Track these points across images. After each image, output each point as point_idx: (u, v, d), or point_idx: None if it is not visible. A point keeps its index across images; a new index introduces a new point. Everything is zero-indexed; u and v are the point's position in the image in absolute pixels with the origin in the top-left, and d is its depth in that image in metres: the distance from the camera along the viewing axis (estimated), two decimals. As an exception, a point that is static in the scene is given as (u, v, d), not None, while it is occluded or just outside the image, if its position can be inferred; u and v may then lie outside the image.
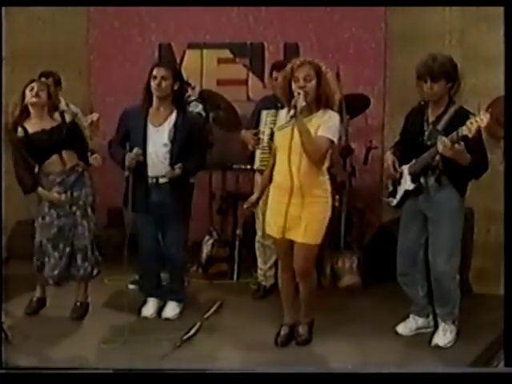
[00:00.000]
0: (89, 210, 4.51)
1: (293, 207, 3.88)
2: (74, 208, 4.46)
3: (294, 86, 3.83)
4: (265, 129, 4.82)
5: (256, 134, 4.86)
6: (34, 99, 4.36)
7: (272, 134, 4.66)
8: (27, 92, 4.37)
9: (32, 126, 4.38)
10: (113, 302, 4.86)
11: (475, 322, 4.35)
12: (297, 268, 4.03)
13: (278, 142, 3.96)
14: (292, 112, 3.70)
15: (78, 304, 4.62)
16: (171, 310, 4.61)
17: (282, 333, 4.18)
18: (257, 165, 4.90)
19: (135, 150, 4.31)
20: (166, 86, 4.34)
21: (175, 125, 4.36)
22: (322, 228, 3.95)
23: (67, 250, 4.47)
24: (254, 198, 4.25)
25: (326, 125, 3.82)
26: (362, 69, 5.78)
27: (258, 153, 4.87)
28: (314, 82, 3.82)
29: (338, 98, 3.93)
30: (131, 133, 4.41)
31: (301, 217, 3.88)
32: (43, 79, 5.02)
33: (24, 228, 5.77)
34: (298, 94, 3.76)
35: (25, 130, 4.36)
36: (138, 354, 3.98)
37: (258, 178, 5.02)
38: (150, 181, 4.38)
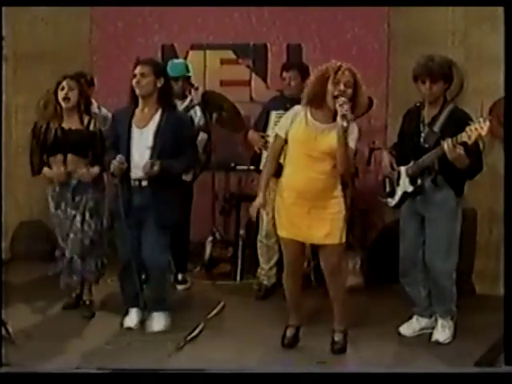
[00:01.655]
0: (87, 216, 4.45)
1: (315, 210, 3.85)
2: (73, 212, 4.46)
3: (331, 87, 3.74)
4: (274, 129, 4.82)
5: (263, 137, 4.87)
6: (64, 103, 4.37)
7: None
8: (59, 91, 4.38)
9: (59, 123, 4.41)
10: (116, 303, 4.86)
11: (478, 322, 4.35)
12: (326, 269, 4.00)
13: (298, 145, 3.88)
14: (345, 123, 3.61)
15: (88, 303, 4.67)
16: (157, 323, 4.33)
17: (289, 334, 4.16)
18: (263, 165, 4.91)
19: (118, 157, 4.13)
20: (147, 83, 4.16)
21: (159, 125, 4.18)
22: (345, 226, 3.92)
23: (79, 251, 4.46)
24: (261, 201, 4.06)
25: (351, 136, 3.77)
26: (365, 70, 5.65)
27: (264, 153, 4.87)
28: (350, 91, 3.75)
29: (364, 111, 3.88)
30: (119, 137, 4.25)
31: (324, 219, 3.85)
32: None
33: (27, 229, 5.80)
34: (344, 102, 3.66)
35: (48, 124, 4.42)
36: (142, 354, 3.98)
37: None
38: (132, 184, 4.20)
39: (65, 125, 4.42)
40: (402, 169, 4.20)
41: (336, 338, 4.07)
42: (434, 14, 5.30)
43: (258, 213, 5.13)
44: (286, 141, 3.92)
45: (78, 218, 4.44)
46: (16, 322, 4.25)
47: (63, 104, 4.38)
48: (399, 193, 4.23)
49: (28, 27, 5.85)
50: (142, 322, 4.40)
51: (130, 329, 4.34)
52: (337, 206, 3.89)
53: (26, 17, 5.68)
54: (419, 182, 4.10)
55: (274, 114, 4.87)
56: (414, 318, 4.38)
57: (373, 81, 5.79)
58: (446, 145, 3.81)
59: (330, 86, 3.75)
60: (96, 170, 4.45)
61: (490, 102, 4.95)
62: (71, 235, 4.46)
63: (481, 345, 3.97)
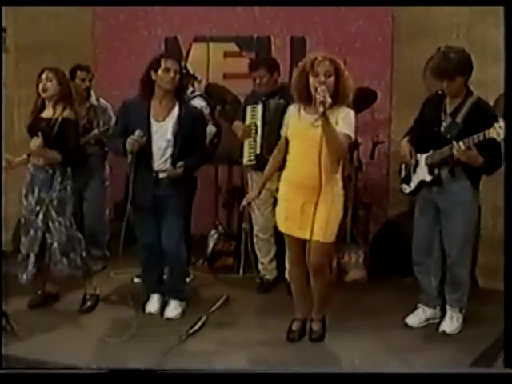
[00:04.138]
0: (53, 215, 4.38)
1: (308, 205, 3.82)
2: (37, 208, 4.41)
3: (312, 80, 3.77)
4: (249, 123, 4.84)
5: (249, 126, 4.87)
6: (42, 93, 4.39)
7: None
8: (39, 83, 4.39)
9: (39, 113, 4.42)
10: (118, 296, 4.86)
11: (481, 316, 4.35)
12: (311, 265, 3.99)
13: (294, 140, 3.90)
14: (321, 109, 3.60)
15: (88, 297, 4.64)
16: (173, 309, 4.51)
17: (294, 328, 4.16)
18: (244, 161, 4.91)
19: (137, 131, 4.17)
20: (178, 79, 4.28)
21: (179, 119, 4.28)
22: (337, 226, 3.93)
23: (35, 248, 4.42)
24: (254, 194, 4.21)
25: (345, 121, 3.79)
26: (369, 62, 5.74)
27: (245, 148, 4.89)
28: (332, 79, 3.77)
29: (352, 97, 3.86)
30: (132, 127, 4.27)
31: (316, 215, 3.80)
32: (79, 72, 5.14)
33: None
34: (322, 90, 3.68)
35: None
36: (144, 347, 3.99)
37: (246, 173, 5.05)
38: (152, 175, 4.28)
39: (41, 114, 4.41)
40: (421, 157, 4.19)
41: (314, 327, 4.11)
42: (438, 7, 5.26)
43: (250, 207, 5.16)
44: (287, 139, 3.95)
45: (41, 216, 4.38)
46: (18, 314, 4.26)
47: (42, 94, 4.38)
48: (416, 181, 4.25)
49: (30, 19, 5.83)
50: (163, 308, 4.51)
51: (151, 314, 4.46)
52: (333, 205, 3.87)
53: (28, 9, 5.66)
54: (436, 171, 4.11)
55: (248, 109, 4.90)
56: (420, 308, 4.40)
57: (377, 74, 5.78)
58: (455, 149, 3.85)
59: (311, 80, 3.78)
60: (56, 155, 4.35)
61: (495, 96, 4.92)
62: (38, 230, 4.41)
63: (483, 338, 3.98)
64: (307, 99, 3.83)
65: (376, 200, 5.70)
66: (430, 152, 4.14)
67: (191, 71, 5.30)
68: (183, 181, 4.35)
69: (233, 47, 6.05)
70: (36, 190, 4.41)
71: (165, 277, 4.65)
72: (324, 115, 3.62)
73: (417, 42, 5.26)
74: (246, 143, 4.90)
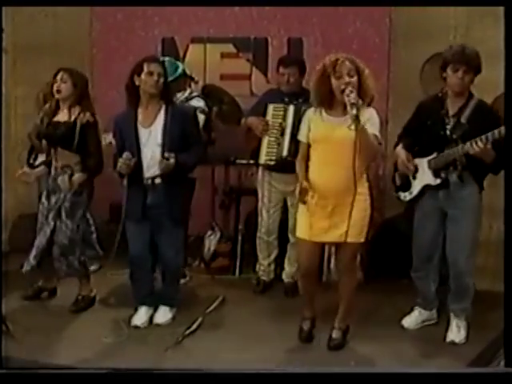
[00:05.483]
0: (63, 216, 4.37)
1: (339, 208, 3.78)
2: (48, 209, 4.41)
3: (335, 82, 3.71)
4: (273, 123, 4.77)
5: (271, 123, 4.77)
6: (56, 95, 4.35)
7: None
8: (54, 83, 4.35)
9: (52, 115, 4.40)
10: (115, 296, 4.86)
11: (477, 318, 4.33)
12: (342, 267, 3.98)
13: (319, 144, 3.84)
14: (354, 111, 3.54)
15: (80, 297, 4.62)
16: (163, 315, 4.39)
17: (305, 328, 4.10)
18: (262, 160, 4.86)
19: (125, 154, 4.10)
20: (162, 83, 4.17)
21: (166, 122, 4.16)
22: (367, 224, 3.88)
23: (43, 244, 4.42)
24: (305, 184, 3.86)
25: (371, 122, 3.74)
26: (366, 64, 5.71)
27: (264, 146, 4.83)
28: (355, 78, 3.73)
29: (375, 95, 3.83)
30: (124, 139, 4.23)
31: (347, 216, 3.76)
32: None
33: (26, 222, 5.78)
34: (351, 91, 3.63)
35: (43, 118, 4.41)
36: (140, 348, 3.99)
37: (261, 173, 5.00)
38: (145, 182, 4.18)
39: (55, 118, 4.38)
40: (422, 161, 4.15)
41: (334, 335, 4.03)
42: (435, 9, 5.26)
43: (256, 208, 5.15)
44: (309, 144, 3.90)
45: (52, 217, 4.38)
46: (14, 315, 4.25)
47: (56, 95, 4.35)
48: (418, 186, 4.18)
49: (28, 19, 5.83)
50: (150, 321, 4.38)
51: (137, 327, 4.30)
52: (361, 204, 3.82)
53: (26, 8, 5.66)
54: (443, 175, 4.06)
55: (271, 107, 4.81)
56: (417, 310, 4.39)
57: (373, 75, 5.74)
58: (473, 146, 3.80)
59: (334, 82, 3.73)
60: (82, 177, 4.38)
61: (492, 97, 4.93)
62: (49, 234, 4.41)
63: (479, 341, 3.97)
64: (329, 101, 3.80)
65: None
66: (434, 155, 4.09)
67: (188, 72, 5.29)
68: (179, 184, 4.23)
69: (230, 48, 6.04)
70: (45, 194, 4.42)
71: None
72: (357, 117, 3.56)
73: (414, 44, 5.26)
74: (266, 141, 4.80)
